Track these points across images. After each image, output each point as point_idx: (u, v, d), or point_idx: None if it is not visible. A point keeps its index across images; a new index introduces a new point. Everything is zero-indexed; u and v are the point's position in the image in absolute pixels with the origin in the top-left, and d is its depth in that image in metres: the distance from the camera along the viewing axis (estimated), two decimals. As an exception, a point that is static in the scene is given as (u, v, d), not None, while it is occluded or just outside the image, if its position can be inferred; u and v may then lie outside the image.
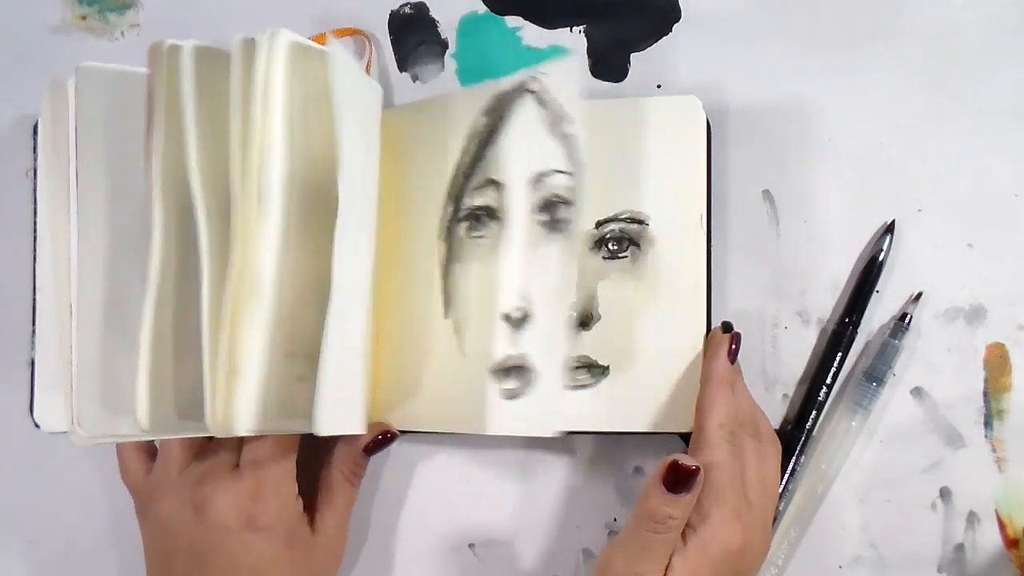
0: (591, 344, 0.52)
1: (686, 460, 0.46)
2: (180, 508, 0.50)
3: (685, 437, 0.52)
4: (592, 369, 0.52)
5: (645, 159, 0.53)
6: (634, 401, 0.51)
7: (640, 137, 0.53)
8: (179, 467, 0.51)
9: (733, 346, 0.50)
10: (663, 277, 0.52)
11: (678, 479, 0.46)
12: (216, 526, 0.49)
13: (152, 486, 0.52)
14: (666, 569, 0.46)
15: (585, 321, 0.53)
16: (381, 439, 0.53)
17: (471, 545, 0.56)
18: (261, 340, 0.47)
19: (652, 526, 0.46)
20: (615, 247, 0.53)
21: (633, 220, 0.52)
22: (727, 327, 0.51)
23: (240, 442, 0.51)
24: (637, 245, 0.52)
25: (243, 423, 0.46)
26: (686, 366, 0.51)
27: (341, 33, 0.58)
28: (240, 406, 0.46)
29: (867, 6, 0.55)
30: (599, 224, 0.53)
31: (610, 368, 0.52)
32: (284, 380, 0.48)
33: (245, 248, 0.46)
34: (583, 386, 0.52)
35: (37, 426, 0.55)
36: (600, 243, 0.53)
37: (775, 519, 0.52)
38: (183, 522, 0.50)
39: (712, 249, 0.54)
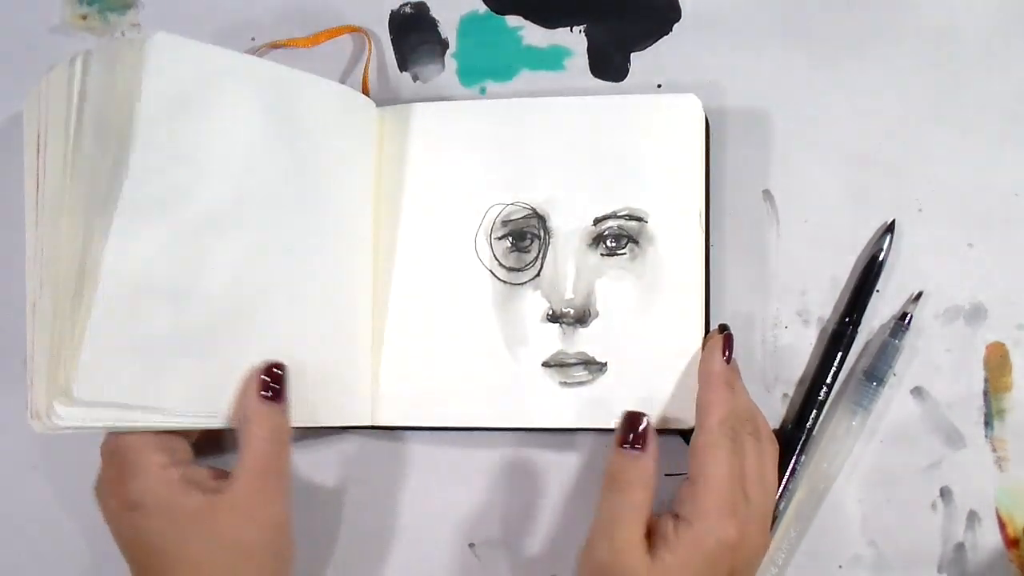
0: (589, 341, 0.52)
1: (634, 411, 0.48)
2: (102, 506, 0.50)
3: (685, 436, 0.52)
4: (590, 366, 0.52)
5: (644, 157, 0.53)
6: (632, 398, 0.51)
7: (639, 134, 0.53)
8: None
9: (726, 347, 0.50)
10: (661, 274, 0.52)
11: (631, 428, 0.48)
12: (108, 515, 0.49)
13: None
14: (654, 558, 0.46)
15: (583, 318, 0.53)
16: (269, 375, 0.49)
17: (471, 545, 0.56)
18: (90, 329, 0.46)
19: (612, 485, 0.47)
20: (613, 244, 0.53)
21: (632, 217, 0.53)
22: (722, 328, 0.52)
23: None
24: (636, 242, 0.52)
25: (61, 416, 0.46)
26: (684, 364, 0.51)
27: (339, 31, 0.58)
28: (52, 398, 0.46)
29: (867, 6, 0.55)
30: (597, 220, 0.53)
31: (608, 365, 0.52)
32: (138, 371, 0.47)
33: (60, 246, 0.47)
34: (580, 383, 0.52)
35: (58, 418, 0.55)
36: (598, 240, 0.53)
37: (775, 518, 0.52)
38: (106, 518, 0.50)
39: (712, 249, 0.54)
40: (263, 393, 0.48)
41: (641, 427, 0.48)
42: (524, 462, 0.56)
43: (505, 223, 0.54)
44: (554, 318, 0.53)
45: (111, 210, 0.46)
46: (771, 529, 0.52)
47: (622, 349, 0.52)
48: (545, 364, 0.53)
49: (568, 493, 0.55)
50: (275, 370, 0.49)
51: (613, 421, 0.50)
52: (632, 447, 0.47)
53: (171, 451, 0.48)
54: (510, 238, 0.54)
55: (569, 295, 0.53)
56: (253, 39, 0.59)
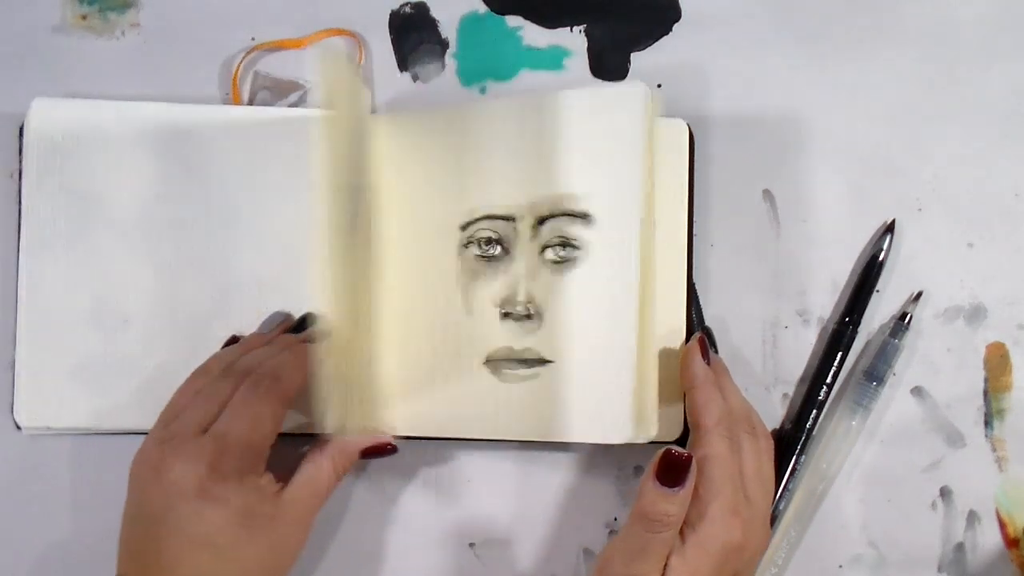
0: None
1: (678, 449, 0.46)
2: (143, 468, 0.48)
3: (681, 444, 0.52)
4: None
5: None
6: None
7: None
8: (158, 429, 0.50)
9: (703, 350, 0.50)
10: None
11: (670, 469, 0.46)
12: (169, 491, 0.47)
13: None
14: (665, 569, 0.46)
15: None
16: (378, 448, 0.52)
17: (471, 545, 0.56)
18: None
19: (649, 525, 0.46)
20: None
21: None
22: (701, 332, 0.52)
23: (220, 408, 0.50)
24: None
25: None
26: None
27: (330, 34, 0.58)
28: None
29: (868, 5, 0.55)
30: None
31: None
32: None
33: None
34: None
35: (19, 428, 0.55)
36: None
37: (775, 518, 0.52)
38: (144, 483, 0.48)
39: (712, 248, 0.54)
40: (338, 470, 0.51)
41: (681, 466, 0.46)
42: (524, 462, 0.56)
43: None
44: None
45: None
46: (770, 527, 0.52)
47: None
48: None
49: (568, 494, 0.55)
50: (357, 455, 0.52)
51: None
52: (671, 486, 0.46)
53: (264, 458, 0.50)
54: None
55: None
56: (253, 39, 0.59)
